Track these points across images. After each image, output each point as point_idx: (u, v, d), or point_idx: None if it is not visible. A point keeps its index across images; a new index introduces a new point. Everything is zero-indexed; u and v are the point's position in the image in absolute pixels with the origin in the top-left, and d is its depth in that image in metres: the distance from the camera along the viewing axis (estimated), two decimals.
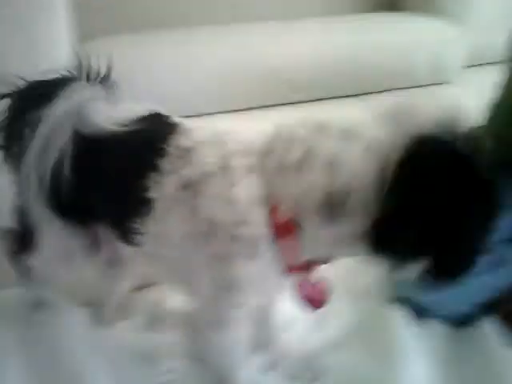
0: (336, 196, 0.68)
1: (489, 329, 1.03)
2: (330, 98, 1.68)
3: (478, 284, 1.02)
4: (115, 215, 0.83)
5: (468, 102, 1.70)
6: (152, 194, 0.78)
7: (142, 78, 1.47)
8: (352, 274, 1.29)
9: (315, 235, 0.72)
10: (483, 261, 0.92)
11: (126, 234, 0.82)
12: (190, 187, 0.76)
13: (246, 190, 0.74)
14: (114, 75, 1.37)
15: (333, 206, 0.69)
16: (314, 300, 0.87)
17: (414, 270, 0.71)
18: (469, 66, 1.85)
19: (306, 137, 0.73)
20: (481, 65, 1.92)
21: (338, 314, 1.11)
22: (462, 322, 1.07)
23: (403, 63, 1.73)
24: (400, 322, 1.05)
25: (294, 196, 0.71)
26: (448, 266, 0.71)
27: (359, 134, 0.69)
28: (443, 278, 0.72)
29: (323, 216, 0.70)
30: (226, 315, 0.81)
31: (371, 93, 1.72)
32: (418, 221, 0.66)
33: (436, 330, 1.06)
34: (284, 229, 0.73)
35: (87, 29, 1.52)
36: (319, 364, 0.99)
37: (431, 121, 0.68)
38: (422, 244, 0.68)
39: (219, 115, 1.57)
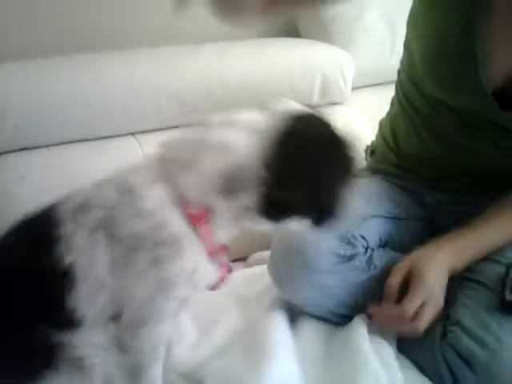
0: (231, 176, 0.83)
1: (358, 328, 1.15)
2: None
3: (349, 286, 1.14)
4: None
5: (358, 119, 1.88)
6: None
7: (32, 104, 1.50)
8: (246, 283, 1.40)
9: (223, 214, 0.86)
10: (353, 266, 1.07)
11: None
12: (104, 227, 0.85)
13: (153, 200, 0.85)
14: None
15: (231, 185, 0.83)
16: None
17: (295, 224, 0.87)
18: (355, 88, 1.99)
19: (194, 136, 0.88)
20: (365, 86, 2.07)
21: (226, 322, 1.22)
22: (336, 321, 1.19)
23: (297, 86, 1.84)
24: (278, 326, 1.16)
25: (197, 186, 0.84)
26: (321, 218, 0.88)
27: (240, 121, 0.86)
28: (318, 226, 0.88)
29: (225, 195, 0.84)
30: (158, 311, 0.89)
31: None
32: (296, 184, 0.83)
33: (310, 331, 1.17)
34: (198, 218, 0.85)
35: None
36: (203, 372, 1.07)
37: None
38: (301, 202, 0.84)
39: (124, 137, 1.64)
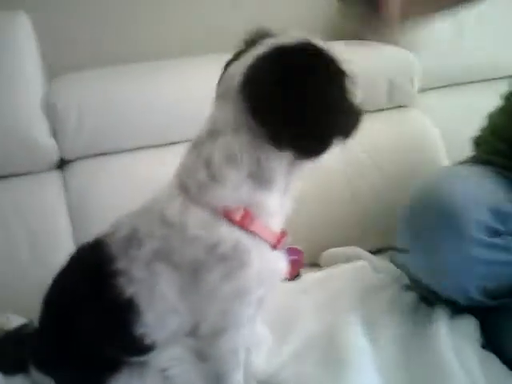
0: None
1: (438, 331, 1.12)
2: None
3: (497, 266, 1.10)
4: None
5: (425, 121, 1.85)
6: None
7: (107, 110, 1.54)
8: (318, 286, 1.40)
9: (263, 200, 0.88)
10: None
11: None
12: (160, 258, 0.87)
13: (195, 225, 0.86)
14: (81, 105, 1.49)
15: None
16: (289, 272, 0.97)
17: None
18: (423, 90, 1.94)
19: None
20: (433, 88, 2.02)
21: (302, 328, 1.21)
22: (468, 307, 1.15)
23: (363, 88, 1.81)
24: (355, 332, 1.14)
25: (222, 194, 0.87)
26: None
27: None
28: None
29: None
30: (236, 318, 0.90)
31: None
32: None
33: (387, 337, 1.15)
34: (244, 218, 0.87)
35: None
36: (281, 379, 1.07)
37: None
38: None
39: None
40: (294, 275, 1.02)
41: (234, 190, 0.85)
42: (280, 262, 0.93)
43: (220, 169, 0.84)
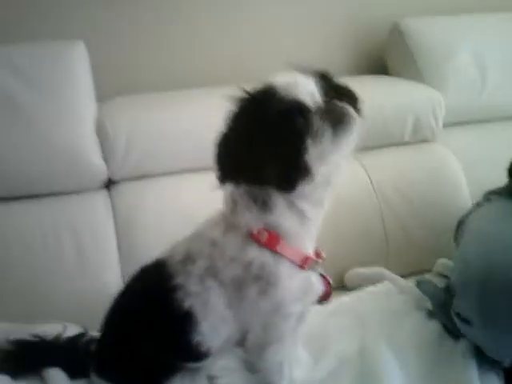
0: None
1: (465, 356, 1.21)
2: None
3: None
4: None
5: (449, 157, 1.93)
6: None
7: (154, 133, 1.64)
8: (346, 310, 1.48)
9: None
10: None
11: None
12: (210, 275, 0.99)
13: (232, 246, 0.99)
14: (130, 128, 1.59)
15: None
16: (326, 294, 1.10)
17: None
18: (446, 126, 2.02)
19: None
20: (456, 124, 2.10)
21: (335, 348, 1.29)
22: None
23: (388, 123, 1.91)
24: (385, 356, 1.22)
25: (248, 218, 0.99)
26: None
27: None
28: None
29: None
30: (278, 331, 1.00)
31: (362, 149, 1.88)
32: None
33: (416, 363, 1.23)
34: (271, 240, 0.98)
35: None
36: None
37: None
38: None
39: None
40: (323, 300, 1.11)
41: (251, 217, 0.97)
42: (312, 281, 1.02)
43: (238, 203, 0.99)
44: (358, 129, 0.93)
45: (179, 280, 1.00)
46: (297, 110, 0.89)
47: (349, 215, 1.74)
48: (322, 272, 1.06)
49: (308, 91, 0.91)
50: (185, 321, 0.99)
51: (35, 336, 1.20)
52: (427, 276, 1.61)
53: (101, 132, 1.61)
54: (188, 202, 1.60)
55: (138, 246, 1.56)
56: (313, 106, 0.90)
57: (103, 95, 1.72)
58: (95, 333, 1.20)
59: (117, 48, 1.88)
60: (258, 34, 2.07)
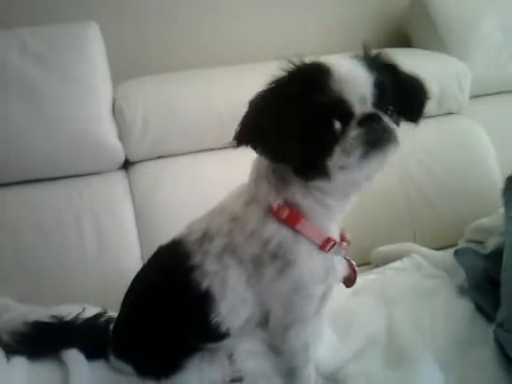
0: None
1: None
2: None
3: None
4: None
5: (475, 128, 1.87)
6: None
7: (170, 114, 1.62)
8: (370, 288, 1.43)
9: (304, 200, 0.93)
10: None
11: None
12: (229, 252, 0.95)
13: (252, 220, 0.93)
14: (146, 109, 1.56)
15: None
16: (349, 279, 1.04)
17: None
18: (472, 97, 1.96)
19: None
20: (482, 96, 2.04)
21: (361, 326, 1.25)
22: None
23: None
24: (413, 335, 1.18)
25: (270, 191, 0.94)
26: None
27: None
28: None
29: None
30: (300, 312, 0.96)
31: None
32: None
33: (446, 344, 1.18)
34: (292, 218, 0.92)
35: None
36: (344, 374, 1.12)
37: None
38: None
39: None
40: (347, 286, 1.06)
41: (269, 190, 0.92)
42: (334, 264, 0.97)
43: (259, 175, 0.95)
44: (392, 155, 0.86)
45: (196, 260, 0.96)
46: (339, 111, 0.82)
47: (372, 192, 1.67)
48: (346, 256, 1.00)
49: (360, 93, 0.83)
50: (203, 301, 0.95)
51: (53, 317, 1.18)
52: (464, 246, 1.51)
53: (117, 113, 1.59)
54: (207, 181, 1.58)
55: (157, 226, 1.54)
56: (358, 113, 0.83)
57: (118, 76, 1.69)
58: (115, 313, 1.18)
59: (130, 29, 1.86)
60: (278, 10, 2.03)
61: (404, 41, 2.17)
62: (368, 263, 1.67)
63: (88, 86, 1.56)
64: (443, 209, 1.79)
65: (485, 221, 1.55)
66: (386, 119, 0.84)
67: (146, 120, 1.59)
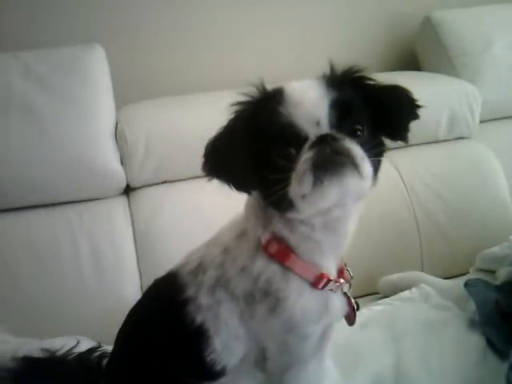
0: None
1: None
2: None
3: None
4: None
5: (486, 153, 1.83)
6: None
7: (172, 139, 1.59)
8: (378, 321, 1.38)
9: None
10: None
11: None
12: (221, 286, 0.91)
13: (242, 255, 0.89)
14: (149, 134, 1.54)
15: None
16: (349, 318, 0.98)
17: None
18: (483, 121, 1.92)
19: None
20: (493, 120, 2.00)
21: (366, 366, 1.19)
22: None
23: (423, 120, 1.80)
24: (421, 371, 1.12)
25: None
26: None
27: None
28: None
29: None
30: (297, 352, 0.90)
31: (394, 148, 1.81)
32: None
33: None
34: (280, 254, 0.87)
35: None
36: None
37: None
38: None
39: None
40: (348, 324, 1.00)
41: (256, 223, 0.88)
42: (330, 302, 0.90)
43: (249, 208, 0.91)
44: (358, 181, 0.76)
45: (190, 292, 0.92)
46: (291, 136, 0.77)
47: (381, 219, 1.65)
48: (348, 292, 0.94)
49: (313, 115, 0.77)
50: (197, 336, 0.90)
51: (45, 351, 1.15)
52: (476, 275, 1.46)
53: (119, 137, 1.56)
54: (208, 207, 1.54)
55: (158, 253, 1.51)
56: (311, 137, 0.77)
57: (122, 100, 1.67)
58: (110, 347, 1.13)
59: (133, 53, 1.85)
60: (284, 32, 2.01)
61: (413, 64, 2.14)
62: (376, 292, 1.62)
63: (90, 110, 1.54)
64: (454, 235, 1.74)
65: (495, 250, 1.50)
66: (346, 141, 0.76)
67: (149, 144, 1.56)
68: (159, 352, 0.94)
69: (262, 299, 0.87)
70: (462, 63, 1.97)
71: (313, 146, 0.76)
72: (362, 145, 0.78)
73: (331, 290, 0.89)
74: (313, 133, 0.77)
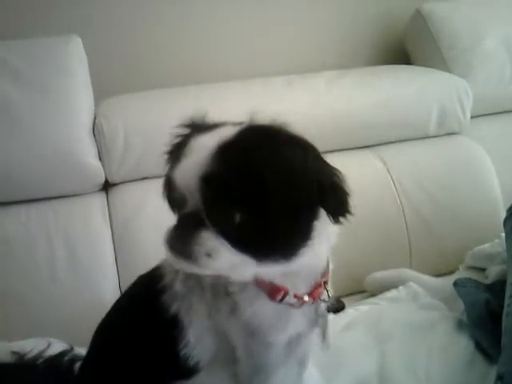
0: None
1: None
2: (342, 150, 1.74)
3: None
4: None
5: (477, 150, 1.79)
6: None
7: (152, 133, 1.53)
8: (363, 322, 1.33)
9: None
10: None
11: None
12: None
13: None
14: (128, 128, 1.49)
15: None
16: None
17: None
18: (474, 117, 1.89)
19: None
20: (484, 115, 1.97)
21: (348, 368, 1.15)
22: None
23: (412, 115, 1.78)
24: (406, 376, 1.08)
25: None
26: None
27: None
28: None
29: None
30: (262, 360, 0.87)
31: (382, 144, 1.79)
32: None
33: None
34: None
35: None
36: None
37: None
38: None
39: None
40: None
41: None
42: (290, 317, 0.86)
43: None
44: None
45: (167, 280, 0.89)
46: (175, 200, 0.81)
47: (368, 216, 1.61)
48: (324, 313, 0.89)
49: (182, 191, 0.75)
50: (172, 326, 0.87)
51: (14, 354, 1.09)
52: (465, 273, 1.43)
53: (97, 132, 1.51)
54: None
55: (137, 252, 1.46)
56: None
57: (100, 93, 1.62)
58: (83, 350, 1.08)
59: (112, 45, 1.80)
60: (273, 26, 1.98)
61: (403, 57, 2.11)
62: (363, 291, 1.59)
63: (67, 103, 1.49)
64: (443, 232, 1.70)
65: (486, 247, 1.48)
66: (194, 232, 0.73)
67: (128, 139, 1.51)
68: (134, 348, 0.91)
69: (224, 297, 0.84)
70: (453, 57, 1.93)
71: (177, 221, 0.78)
72: (228, 232, 0.72)
73: (291, 304, 0.84)
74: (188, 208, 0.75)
